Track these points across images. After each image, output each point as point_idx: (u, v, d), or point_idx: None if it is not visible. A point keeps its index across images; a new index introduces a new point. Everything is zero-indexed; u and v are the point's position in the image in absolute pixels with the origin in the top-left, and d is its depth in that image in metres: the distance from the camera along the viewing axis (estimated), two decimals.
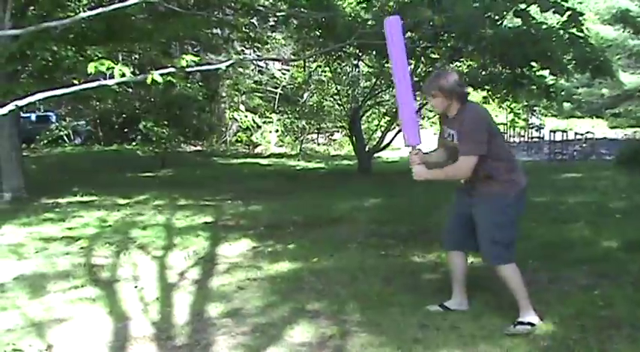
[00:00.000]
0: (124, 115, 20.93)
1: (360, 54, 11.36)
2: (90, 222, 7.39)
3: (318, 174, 13.60)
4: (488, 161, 3.40)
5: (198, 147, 20.78)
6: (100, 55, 11.94)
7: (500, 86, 10.87)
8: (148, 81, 6.11)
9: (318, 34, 10.08)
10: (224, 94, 21.33)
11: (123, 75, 6.02)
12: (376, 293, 4.28)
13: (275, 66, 19.21)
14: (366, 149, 12.93)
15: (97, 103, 20.61)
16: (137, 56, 15.90)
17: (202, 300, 4.36)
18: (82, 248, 6.06)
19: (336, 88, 13.35)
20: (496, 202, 3.44)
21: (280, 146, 20.87)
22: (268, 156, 18.45)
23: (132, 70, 6.11)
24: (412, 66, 10.62)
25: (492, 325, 3.62)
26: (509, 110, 20.17)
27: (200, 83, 19.01)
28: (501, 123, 21.17)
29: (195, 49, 18.33)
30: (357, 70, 13.26)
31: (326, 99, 14.86)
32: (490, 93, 11.75)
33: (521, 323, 3.49)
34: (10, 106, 6.14)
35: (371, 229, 6.56)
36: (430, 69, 10.57)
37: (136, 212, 8.05)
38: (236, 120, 19.42)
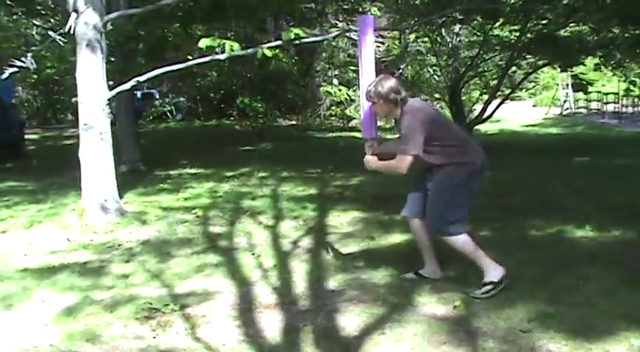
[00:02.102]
0: (222, 91, 21.58)
1: (462, 22, 10.93)
2: (202, 192, 7.72)
3: None
4: (439, 149, 3.67)
5: (293, 122, 21.05)
6: (200, 33, 12.38)
7: (616, 50, 10.12)
8: (259, 54, 6.34)
9: (417, 2, 9.78)
10: (318, 69, 21.39)
11: (232, 49, 6.29)
12: None
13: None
14: (467, 121, 12.59)
15: (198, 80, 21.37)
16: (232, 33, 16.30)
17: (319, 269, 4.46)
18: (197, 216, 6.35)
19: (436, 59, 13.01)
20: (447, 181, 3.70)
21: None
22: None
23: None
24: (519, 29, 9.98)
25: (629, 302, 3.47)
26: (622, 78, 18.85)
27: (295, 58, 19.21)
28: (612, 93, 19.95)
29: (290, 24, 18.46)
30: (457, 39, 12.85)
31: (425, 71, 14.50)
32: (603, 59, 11.03)
33: (485, 284, 3.71)
34: (132, 82, 6.53)
35: (482, 201, 6.39)
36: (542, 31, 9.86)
37: (243, 183, 8.32)
38: (330, 94, 19.43)
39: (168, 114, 23.27)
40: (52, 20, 10.92)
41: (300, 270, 4.46)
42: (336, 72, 20.97)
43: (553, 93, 23.89)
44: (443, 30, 11.95)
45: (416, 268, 4.13)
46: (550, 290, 3.73)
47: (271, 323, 3.50)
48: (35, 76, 20.68)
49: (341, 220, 5.90)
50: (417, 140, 3.62)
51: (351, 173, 8.69)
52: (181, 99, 24.66)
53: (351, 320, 3.47)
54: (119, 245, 5.45)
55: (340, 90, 19.61)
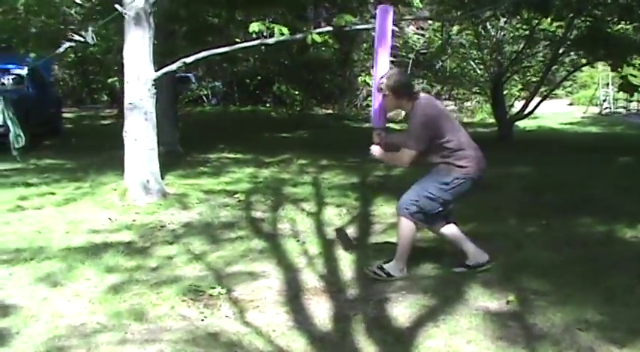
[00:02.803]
0: (259, 78, 21.57)
1: (512, 15, 10.64)
2: (242, 177, 7.71)
3: None
4: (440, 147, 3.73)
5: (330, 110, 20.96)
6: (239, 19, 12.33)
7: None
8: (308, 40, 6.25)
9: None
10: (356, 58, 21.22)
11: (282, 33, 6.22)
12: (546, 262, 4.09)
13: (410, 29, 18.72)
14: (507, 116, 12.36)
15: (236, 66, 21.38)
16: (271, 20, 16.23)
17: (365, 257, 4.39)
18: (239, 201, 6.33)
19: (479, 53, 12.75)
20: (437, 176, 3.78)
21: None
22: (399, 122, 18.20)
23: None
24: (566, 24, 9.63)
25: None
26: None
27: (335, 47, 19.07)
28: None
29: (330, 13, 18.35)
30: (502, 33, 12.55)
31: (467, 64, 14.22)
32: None
33: (382, 268, 3.89)
34: (178, 63, 6.51)
35: (526, 197, 6.28)
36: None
37: (283, 170, 8.29)
38: (368, 84, 19.24)
39: (204, 98, 23.38)
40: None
41: (345, 259, 4.40)
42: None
43: (592, 93, 23.32)
44: (487, 23, 11.69)
45: (462, 260, 4.03)
46: (604, 290, 3.61)
47: (320, 311, 3.45)
48: (72, 55, 20.96)
49: (384, 210, 5.81)
50: (423, 136, 3.71)
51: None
52: (217, 83, 24.74)
53: (402, 311, 3.40)
54: (162, 226, 5.45)
55: None
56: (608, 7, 8.96)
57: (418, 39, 18.38)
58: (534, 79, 13.25)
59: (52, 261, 4.43)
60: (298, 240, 4.87)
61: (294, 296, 3.71)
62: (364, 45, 17.93)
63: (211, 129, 14.88)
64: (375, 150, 3.99)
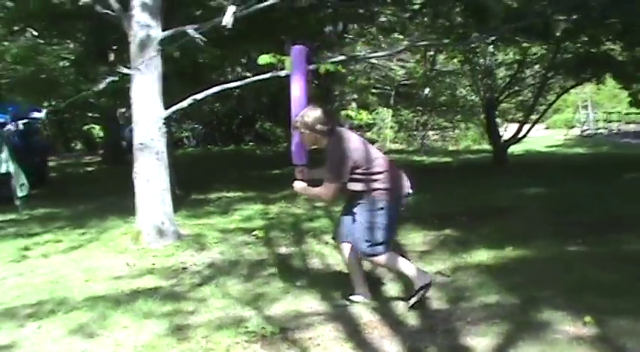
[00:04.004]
0: (240, 117, 21.53)
1: (507, 41, 10.68)
2: (252, 214, 7.50)
3: (451, 168, 13.24)
4: (363, 177, 3.75)
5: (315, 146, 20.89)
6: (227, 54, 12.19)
7: None
8: (320, 70, 6.17)
9: (461, 21, 9.60)
10: (336, 93, 21.33)
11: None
12: (606, 281, 3.97)
13: (391, 60, 18.92)
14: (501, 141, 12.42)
15: (217, 105, 21.28)
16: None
17: (412, 288, 4.20)
18: (257, 238, 6.11)
19: (471, 78, 12.86)
20: (369, 205, 3.77)
21: (394, 142, 20.62)
22: (387, 153, 18.25)
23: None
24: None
25: None
26: None
27: (315, 82, 19.14)
28: (634, 112, 19.74)
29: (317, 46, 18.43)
30: (493, 59, 12.72)
31: (457, 91, 14.36)
32: None
33: (417, 290, 3.74)
34: (189, 100, 6.35)
35: (550, 218, 6.20)
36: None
37: (291, 205, 8.09)
38: (351, 117, 19.33)
39: (184, 140, 23.18)
40: None
41: (391, 289, 4.22)
42: (355, 96, 20.92)
43: (571, 116, 23.83)
44: (477, 49, 11.82)
45: (518, 283, 3.91)
46: None
47: (389, 345, 3.26)
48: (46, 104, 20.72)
49: (413, 239, 5.66)
50: (343, 169, 3.73)
51: None
52: (196, 125, 24.58)
53: (477, 340, 3.22)
54: (184, 268, 5.21)
55: (360, 113, 19.54)
56: (609, 28, 9.08)
57: (399, 70, 18.62)
58: (525, 103, 13.39)
59: (80, 311, 4.16)
60: (336, 276, 4.67)
61: (353, 331, 3.51)
62: (350, 78, 18.02)
63: (200, 170, 14.62)
64: (298, 185, 4.01)
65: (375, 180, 3.76)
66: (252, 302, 4.14)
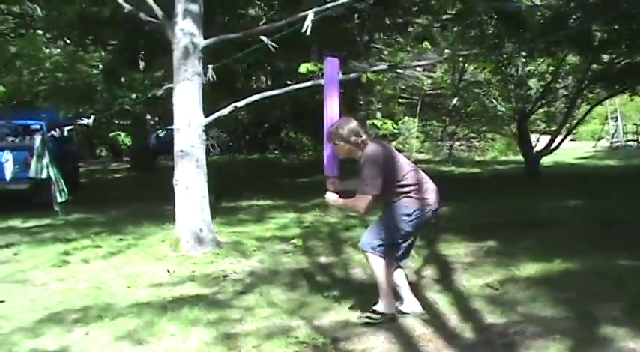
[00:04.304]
0: (265, 125, 21.57)
1: (550, 54, 10.45)
2: (287, 223, 7.47)
3: (482, 178, 13.10)
4: (396, 188, 3.76)
5: None
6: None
7: None
8: (363, 79, 6.15)
9: (494, 31, 9.51)
10: (361, 102, 21.29)
11: None
12: None
13: (417, 69, 18.81)
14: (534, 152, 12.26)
15: (242, 113, 21.35)
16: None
17: (463, 299, 4.15)
18: (295, 246, 6.08)
19: (504, 89, 12.73)
20: (398, 210, 3.77)
21: (420, 152, 20.49)
22: (414, 163, 18.09)
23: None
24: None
25: None
26: None
27: (341, 91, 19.11)
28: None
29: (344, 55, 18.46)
30: (526, 68, 12.57)
31: (487, 101, 14.20)
32: None
33: (374, 311, 3.79)
34: (230, 107, 6.36)
35: (594, 231, 6.08)
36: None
37: (325, 214, 8.04)
38: (377, 127, 19.22)
39: (210, 147, 23.25)
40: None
41: (441, 301, 4.15)
42: (379, 105, 20.84)
43: (600, 127, 23.52)
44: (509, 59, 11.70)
45: (573, 297, 3.82)
46: None
47: None
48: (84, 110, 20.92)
49: (456, 250, 5.58)
50: (377, 182, 3.73)
51: None
52: (221, 133, 24.67)
53: None
54: (224, 276, 5.19)
55: (386, 123, 19.42)
56: None
57: (425, 80, 18.48)
58: (556, 114, 13.24)
59: (126, 317, 4.16)
60: None
61: (406, 342, 3.46)
62: (378, 87, 17.93)
63: (228, 178, 14.65)
64: (330, 197, 4.01)
65: (409, 191, 3.77)
66: (298, 311, 4.10)
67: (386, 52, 18.71)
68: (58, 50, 9.14)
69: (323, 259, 5.57)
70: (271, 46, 4.35)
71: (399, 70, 20.83)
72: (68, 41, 11.58)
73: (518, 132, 12.32)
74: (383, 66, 6.23)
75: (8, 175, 8.57)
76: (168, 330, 3.87)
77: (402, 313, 3.90)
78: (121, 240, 6.93)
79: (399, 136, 20.29)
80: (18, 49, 9.23)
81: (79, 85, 9.08)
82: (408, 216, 3.75)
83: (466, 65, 14.17)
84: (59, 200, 7.05)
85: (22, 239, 7.25)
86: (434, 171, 15.37)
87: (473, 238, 6.01)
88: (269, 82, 19.38)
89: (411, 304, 3.94)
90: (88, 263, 5.93)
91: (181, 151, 6.08)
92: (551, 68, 11.80)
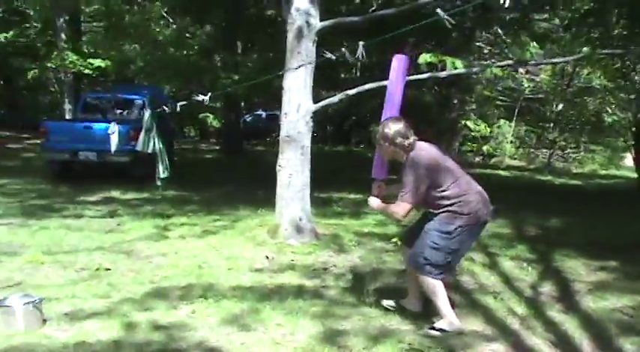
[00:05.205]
0: (354, 118, 21.37)
1: None
2: (384, 219, 7.20)
3: (587, 192, 12.33)
4: (440, 196, 3.55)
5: None
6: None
7: None
8: (487, 74, 5.81)
9: (621, 31, 8.77)
10: (455, 101, 20.74)
11: (455, 67, 5.81)
12: None
13: (520, 71, 18.07)
14: None
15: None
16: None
17: (592, 323, 3.78)
18: (396, 246, 5.83)
19: (626, 95, 11.86)
20: (441, 226, 3.57)
21: (513, 158, 19.69)
22: (505, 169, 17.38)
23: None
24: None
25: None
26: None
27: (435, 88, 18.67)
28: None
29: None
30: None
31: (602, 108, 13.34)
32: None
33: (433, 328, 3.61)
34: (340, 95, 6.19)
35: None
36: None
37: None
38: (469, 128, 18.66)
39: None
40: None
41: (567, 323, 3.79)
42: (474, 106, 20.21)
43: None
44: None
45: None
46: None
47: None
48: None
49: (576, 269, 5.15)
50: (419, 188, 3.54)
51: (542, 214, 7.88)
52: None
53: None
54: (324, 269, 5.04)
55: (479, 124, 18.83)
56: None
57: (527, 83, 17.69)
58: None
59: (230, 300, 4.09)
60: (495, 297, 4.30)
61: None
62: (478, 87, 17.37)
63: (316, 168, 14.55)
64: (373, 202, 3.83)
65: (452, 204, 3.55)
66: (407, 314, 3.86)
67: (485, 51, 18.10)
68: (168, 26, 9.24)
69: None
70: (447, 20, 4.09)
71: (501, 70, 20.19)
72: (171, 19, 11.76)
73: (635, 144, 11.41)
74: (508, 61, 5.82)
75: (113, 147, 8.79)
76: (274, 319, 3.76)
77: (394, 307, 3.91)
78: (216, 220, 6.93)
79: (490, 139, 19.60)
80: (131, 21, 9.40)
81: (185, 62, 9.17)
82: (449, 233, 3.55)
83: (577, 69, 13.33)
84: (162, 175, 7.13)
85: (124, 210, 7.41)
86: (530, 180, 14.73)
87: (592, 256, 5.55)
88: (358, 74, 19.14)
89: (411, 303, 3.90)
90: (185, 239, 5.95)
91: (288, 137, 5.95)
92: None
